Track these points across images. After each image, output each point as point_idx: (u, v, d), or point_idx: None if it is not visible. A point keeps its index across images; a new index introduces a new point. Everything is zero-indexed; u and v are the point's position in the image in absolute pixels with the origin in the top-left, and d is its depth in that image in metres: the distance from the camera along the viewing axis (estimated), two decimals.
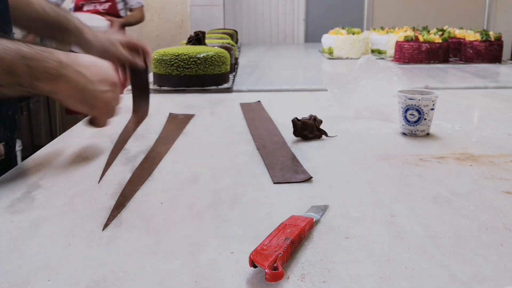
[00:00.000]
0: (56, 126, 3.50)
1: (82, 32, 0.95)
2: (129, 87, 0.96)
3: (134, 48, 1.00)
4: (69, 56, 0.66)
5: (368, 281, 0.40)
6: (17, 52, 0.59)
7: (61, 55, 0.64)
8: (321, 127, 0.84)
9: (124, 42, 1.00)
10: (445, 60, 2.06)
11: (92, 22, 2.32)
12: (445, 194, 0.59)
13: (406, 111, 0.85)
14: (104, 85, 0.69)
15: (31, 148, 3.17)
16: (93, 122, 0.73)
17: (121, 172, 0.68)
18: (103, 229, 0.50)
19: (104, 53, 0.96)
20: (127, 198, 0.58)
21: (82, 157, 0.75)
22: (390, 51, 2.27)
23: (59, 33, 0.94)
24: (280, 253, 0.40)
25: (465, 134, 0.88)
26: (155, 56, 1.34)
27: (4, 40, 0.60)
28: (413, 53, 2.04)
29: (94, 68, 0.69)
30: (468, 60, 2.10)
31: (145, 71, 0.98)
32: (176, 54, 1.31)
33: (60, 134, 0.92)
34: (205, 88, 1.33)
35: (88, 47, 0.97)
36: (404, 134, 0.87)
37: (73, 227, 0.51)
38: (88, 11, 3.13)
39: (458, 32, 2.29)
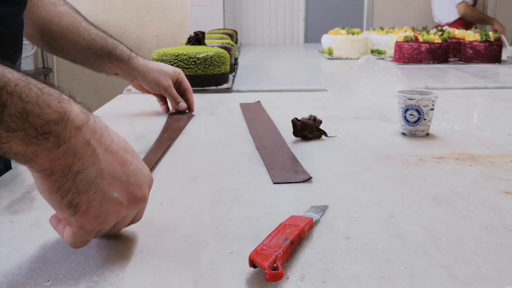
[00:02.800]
0: None
1: (131, 58, 0.93)
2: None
3: (181, 86, 1.01)
4: (78, 121, 0.39)
5: (368, 281, 0.40)
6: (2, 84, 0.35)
7: (78, 118, 0.39)
8: (321, 127, 0.84)
9: (174, 77, 0.99)
10: (444, 60, 2.06)
11: None
12: (445, 194, 0.59)
13: (405, 111, 0.85)
14: (122, 193, 0.42)
15: None
16: (60, 229, 0.43)
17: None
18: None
19: (153, 83, 0.96)
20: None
21: None
22: (390, 51, 2.27)
23: (108, 62, 0.91)
24: (280, 253, 0.40)
25: (465, 134, 0.88)
26: (155, 57, 1.34)
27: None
28: (413, 53, 2.04)
29: (116, 161, 0.42)
30: (467, 60, 2.11)
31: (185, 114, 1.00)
32: (176, 54, 1.31)
33: None
34: (204, 88, 1.33)
35: (136, 75, 0.95)
36: (403, 134, 0.87)
37: None
38: None
39: (457, 33, 2.29)
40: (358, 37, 2.28)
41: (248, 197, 0.58)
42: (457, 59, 2.19)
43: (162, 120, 0.99)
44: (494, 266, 0.42)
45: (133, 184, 0.43)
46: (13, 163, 0.78)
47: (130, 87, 1.36)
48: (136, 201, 0.43)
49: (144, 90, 1.01)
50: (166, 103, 1.06)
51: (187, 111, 1.04)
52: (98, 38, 0.90)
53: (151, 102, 1.10)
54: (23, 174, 0.68)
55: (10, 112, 0.35)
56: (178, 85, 1.02)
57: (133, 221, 0.47)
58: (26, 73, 0.38)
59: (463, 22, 3.36)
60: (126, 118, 1.04)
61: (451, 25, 3.30)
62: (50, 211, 0.53)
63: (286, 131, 0.85)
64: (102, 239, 0.48)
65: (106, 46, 0.90)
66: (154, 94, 1.03)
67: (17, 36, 0.74)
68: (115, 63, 0.92)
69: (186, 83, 1.03)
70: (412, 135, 0.86)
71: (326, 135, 0.84)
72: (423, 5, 4.11)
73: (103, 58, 0.91)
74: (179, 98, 1.01)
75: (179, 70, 1.02)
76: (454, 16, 3.47)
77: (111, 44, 0.91)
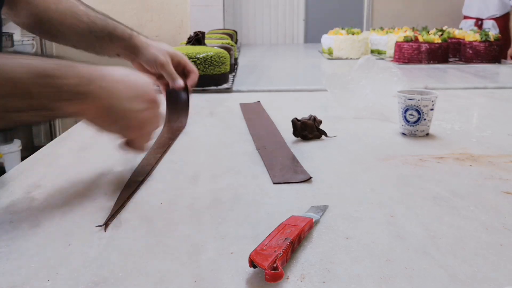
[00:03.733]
0: (56, 126, 3.50)
1: (132, 36, 0.90)
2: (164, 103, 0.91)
3: (183, 67, 0.95)
4: (95, 70, 0.56)
5: (368, 281, 0.40)
6: (29, 69, 0.49)
7: (84, 69, 0.55)
8: (321, 127, 0.84)
9: (175, 57, 0.94)
10: (444, 60, 2.06)
11: None
12: (445, 194, 0.59)
13: (405, 111, 0.85)
14: (139, 103, 0.59)
15: (31, 148, 3.17)
16: (130, 145, 0.62)
17: (121, 172, 0.68)
18: (104, 227, 0.50)
19: (151, 59, 0.92)
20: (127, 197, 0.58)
21: (82, 158, 0.75)
22: (390, 51, 2.27)
23: (110, 42, 0.89)
24: (280, 253, 0.40)
25: (465, 134, 0.88)
26: None
27: (14, 55, 0.51)
28: (413, 53, 2.04)
29: (127, 82, 0.59)
30: (467, 60, 2.11)
31: (183, 92, 0.94)
32: None
33: (60, 134, 0.92)
34: (204, 88, 1.33)
35: (136, 52, 0.92)
36: (403, 134, 0.87)
37: (73, 227, 0.51)
38: None
39: (457, 33, 2.29)
40: (358, 37, 2.28)
41: (248, 197, 0.58)
42: (457, 59, 2.19)
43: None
44: (494, 266, 0.42)
45: (142, 91, 0.60)
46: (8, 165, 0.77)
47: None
48: (149, 98, 0.60)
49: (145, 70, 0.96)
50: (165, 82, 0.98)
51: (184, 97, 0.97)
52: (98, 20, 0.88)
53: None
54: (23, 174, 0.68)
55: (52, 91, 0.51)
56: (181, 68, 0.96)
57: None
58: (39, 54, 0.50)
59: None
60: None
61: (497, 19, 3.12)
62: (50, 211, 0.53)
63: (286, 131, 0.85)
64: (102, 239, 0.48)
65: (107, 27, 0.88)
66: (153, 74, 0.97)
67: None
68: (116, 43, 0.89)
69: (191, 66, 0.96)
70: (412, 135, 0.86)
71: (326, 135, 0.84)
72: (423, 6, 4.12)
73: (105, 39, 0.88)
74: (175, 75, 0.94)
75: (181, 54, 0.96)
76: (506, 8, 3.16)
77: (112, 25, 0.89)
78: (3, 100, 0.49)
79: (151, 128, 0.62)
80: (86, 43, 0.90)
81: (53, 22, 0.87)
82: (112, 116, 0.57)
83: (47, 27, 0.88)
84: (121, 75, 0.59)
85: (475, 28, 3.04)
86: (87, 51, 0.92)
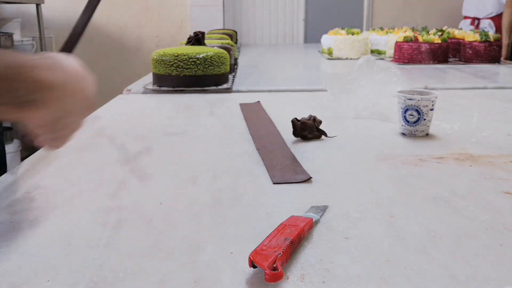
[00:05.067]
0: None
1: None
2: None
3: None
4: (51, 70, 0.46)
5: (368, 281, 0.40)
6: None
7: (40, 67, 0.45)
8: (321, 127, 0.84)
9: None
10: (444, 60, 2.06)
11: None
12: (445, 195, 0.59)
13: (405, 111, 0.85)
14: (82, 116, 0.52)
15: (31, 148, 3.16)
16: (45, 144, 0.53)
17: (121, 172, 0.68)
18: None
19: None
20: None
21: (82, 157, 0.75)
22: (390, 51, 2.27)
23: None
24: (280, 254, 0.40)
25: (465, 135, 0.88)
26: (155, 57, 1.34)
27: None
28: (413, 53, 2.04)
29: (81, 90, 0.50)
30: (467, 60, 2.11)
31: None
32: (176, 55, 1.31)
33: None
34: (204, 88, 1.33)
35: None
36: (403, 134, 0.87)
37: (72, 227, 0.51)
38: None
39: (457, 33, 2.29)
40: (358, 37, 2.28)
41: (248, 197, 0.58)
42: (456, 59, 2.19)
43: (162, 120, 0.99)
44: (494, 266, 0.42)
45: (91, 105, 0.52)
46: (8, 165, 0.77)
47: (130, 87, 1.36)
48: (91, 110, 0.52)
49: None
50: None
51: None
52: None
53: (151, 102, 1.10)
54: (24, 174, 0.68)
55: None
56: None
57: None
58: None
59: None
60: (126, 118, 1.04)
61: (493, 18, 3.09)
62: (50, 211, 0.53)
63: (286, 131, 0.85)
64: (102, 239, 0.48)
65: None
66: None
67: None
68: None
69: None
70: (412, 135, 0.86)
71: (326, 135, 0.84)
72: (423, 6, 4.12)
73: None
74: None
75: None
76: (502, 7, 3.06)
77: None
78: None
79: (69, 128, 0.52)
80: None
81: None
82: (55, 126, 0.49)
83: None
84: (77, 78, 0.50)
85: (472, 27, 3.04)
86: None
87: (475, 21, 3.26)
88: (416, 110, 0.83)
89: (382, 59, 2.19)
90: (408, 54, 2.04)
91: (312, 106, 1.16)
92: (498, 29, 2.99)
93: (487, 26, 3.12)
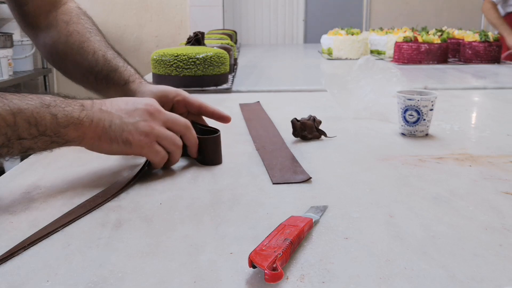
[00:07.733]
0: None
1: (127, 83, 0.81)
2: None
3: (188, 106, 0.79)
4: (96, 100, 0.62)
5: (367, 281, 0.40)
6: (40, 102, 0.56)
7: (87, 100, 0.61)
8: (320, 127, 0.84)
9: (181, 99, 0.79)
10: (444, 60, 2.06)
11: None
12: (444, 195, 0.59)
13: (405, 111, 0.85)
14: (136, 116, 0.62)
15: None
16: (151, 165, 0.66)
17: (120, 172, 0.68)
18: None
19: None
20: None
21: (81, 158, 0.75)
22: (389, 51, 2.27)
23: (106, 86, 0.82)
24: (280, 254, 0.40)
25: (464, 135, 0.88)
26: (154, 57, 1.34)
27: (27, 94, 0.56)
28: (412, 53, 2.04)
29: (127, 100, 0.64)
30: (467, 60, 2.11)
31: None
32: (175, 55, 1.31)
33: None
34: (204, 88, 1.33)
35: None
36: (403, 134, 0.87)
37: (73, 227, 0.51)
38: None
39: (457, 33, 2.29)
40: (357, 38, 2.28)
41: (248, 198, 0.58)
42: (456, 59, 2.19)
43: None
44: (494, 266, 0.42)
45: (142, 104, 0.64)
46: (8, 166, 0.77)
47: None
48: (151, 108, 0.64)
49: None
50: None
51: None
52: (101, 59, 0.81)
53: None
54: (23, 174, 0.68)
55: (58, 116, 0.57)
56: (181, 106, 0.80)
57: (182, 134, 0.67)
58: (48, 93, 0.60)
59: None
60: None
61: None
62: (50, 211, 0.53)
63: (286, 132, 0.85)
64: (101, 239, 0.48)
65: (107, 68, 0.81)
66: None
67: None
68: (112, 87, 0.82)
69: (192, 100, 0.80)
70: (411, 135, 0.86)
71: (325, 135, 0.84)
72: (422, 6, 4.12)
73: (102, 82, 0.82)
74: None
75: (176, 93, 0.79)
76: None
77: (113, 67, 0.82)
78: (13, 129, 0.53)
79: (152, 137, 0.63)
80: (87, 82, 0.84)
81: (61, 55, 0.83)
82: (110, 133, 0.61)
83: (55, 59, 0.85)
84: (117, 99, 0.64)
85: None
86: (91, 91, 0.85)
87: None
88: (416, 110, 0.83)
89: (382, 59, 2.20)
90: (408, 54, 2.05)
91: (312, 106, 1.16)
92: None
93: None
